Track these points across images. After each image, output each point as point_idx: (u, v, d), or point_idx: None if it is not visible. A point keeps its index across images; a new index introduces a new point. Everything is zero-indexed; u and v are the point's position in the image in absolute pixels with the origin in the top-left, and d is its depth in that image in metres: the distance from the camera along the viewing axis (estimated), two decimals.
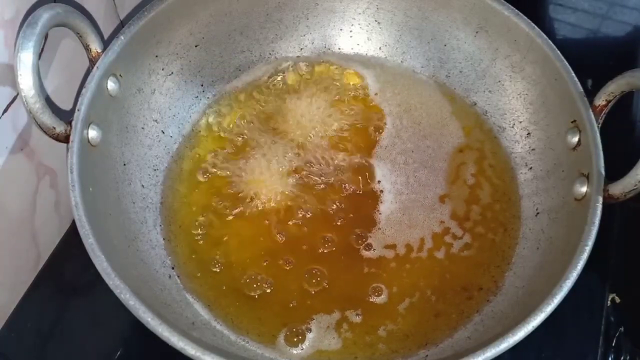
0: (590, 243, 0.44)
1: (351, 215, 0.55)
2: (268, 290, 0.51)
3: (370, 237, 0.54)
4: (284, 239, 0.53)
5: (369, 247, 0.53)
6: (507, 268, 0.52)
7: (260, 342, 0.49)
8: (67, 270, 0.56)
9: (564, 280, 0.43)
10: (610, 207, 0.47)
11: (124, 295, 0.41)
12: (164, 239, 0.53)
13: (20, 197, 0.51)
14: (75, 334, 0.53)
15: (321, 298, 0.51)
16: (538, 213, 0.54)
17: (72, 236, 0.56)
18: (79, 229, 0.43)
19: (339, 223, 0.54)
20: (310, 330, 0.49)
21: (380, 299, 0.51)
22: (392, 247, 0.53)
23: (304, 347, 0.49)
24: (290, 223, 0.54)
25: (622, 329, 0.54)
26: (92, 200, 0.46)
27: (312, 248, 0.53)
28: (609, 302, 0.56)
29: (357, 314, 0.50)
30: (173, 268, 0.52)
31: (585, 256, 0.44)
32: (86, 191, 0.45)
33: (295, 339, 0.49)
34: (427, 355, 0.48)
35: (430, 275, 0.52)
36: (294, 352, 0.49)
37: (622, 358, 0.53)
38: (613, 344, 0.54)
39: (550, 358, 0.53)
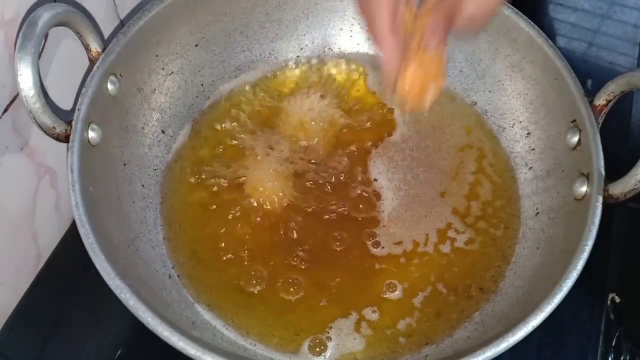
0: (590, 243, 0.44)
1: (355, 213, 0.55)
2: (269, 290, 0.51)
3: (378, 235, 0.54)
4: (285, 238, 0.53)
5: (377, 244, 0.53)
6: (507, 268, 0.52)
7: (261, 343, 0.49)
8: (67, 270, 0.56)
9: (564, 280, 0.43)
10: (610, 207, 0.47)
11: (124, 295, 0.41)
12: (164, 238, 0.53)
13: (21, 197, 0.51)
14: (75, 334, 0.53)
15: (332, 298, 0.51)
16: (538, 213, 0.54)
17: (72, 236, 0.56)
18: (79, 228, 0.43)
19: (344, 222, 0.54)
20: (330, 339, 0.49)
21: (394, 295, 0.51)
22: (400, 243, 0.54)
23: (326, 355, 0.49)
24: (292, 223, 0.54)
25: (622, 329, 0.54)
26: (92, 200, 0.46)
27: (317, 247, 0.53)
28: (609, 302, 0.56)
29: (373, 311, 0.50)
30: (173, 268, 0.52)
31: (585, 256, 0.44)
32: (86, 191, 0.45)
33: (317, 349, 0.49)
34: (427, 355, 0.48)
35: (440, 270, 0.52)
36: None
37: (622, 358, 0.53)
38: (613, 344, 0.54)
39: (550, 358, 0.53)
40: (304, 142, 0.58)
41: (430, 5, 0.42)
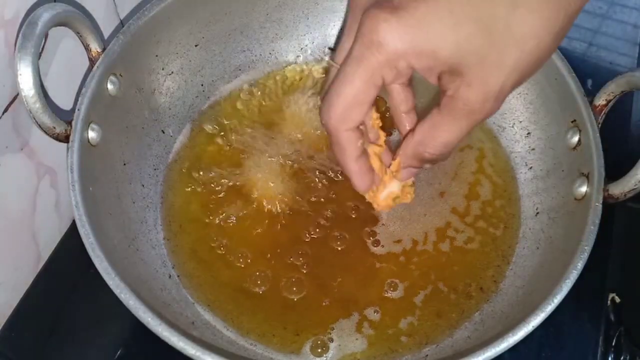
0: (590, 243, 0.44)
1: (355, 211, 0.55)
2: (270, 291, 0.51)
3: (378, 233, 0.54)
4: (286, 238, 0.53)
5: (377, 242, 0.53)
6: (507, 268, 0.52)
7: (261, 343, 0.49)
8: (67, 269, 0.56)
9: (564, 280, 0.43)
10: (610, 207, 0.47)
11: (124, 295, 0.41)
12: (164, 238, 0.53)
13: (21, 197, 0.51)
14: (75, 334, 0.53)
15: (334, 298, 0.51)
16: (538, 213, 0.54)
17: (72, 236, 0.56)
18: (79, 228, 0.43)
19: (344, 221, 0.54)
20: (332, 340, 0.49)
21: (396, 294, 0.51)
22: (399, 242, 0.54)
23: (328, 356, 0.49)
24: (292, 223, 0.54)
25: (622, 328, 0.54)
26: (92, 200, 0.46)
27: (318, 247, 0.53)
28: (609, 302, 0.56)
29: (375, 311, 0.50)
30: (173, 268, 0.52)
31: (585, 256, 0.44)
32: (86, 191, 0.45)
33: (319, 350, 0.49)
34: (427, 355, 0.48)
35: (439, 268, 0.52)
36: None
37: (622, 358, 0.53)
38: (613, 344, 0.54)
39: (550, 358, 0.53)
40: (304, 142, 0.58)
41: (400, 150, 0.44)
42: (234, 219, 0.54)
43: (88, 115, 0.48)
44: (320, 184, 0.56)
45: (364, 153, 0.44)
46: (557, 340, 0.53)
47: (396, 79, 0.39)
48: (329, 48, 0.64)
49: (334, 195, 0.55)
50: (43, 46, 0.48)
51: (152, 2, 0.53)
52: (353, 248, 0.53)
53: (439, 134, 0.40)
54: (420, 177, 0.57)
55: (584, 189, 0.48)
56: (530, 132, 0.57)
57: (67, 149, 0.46)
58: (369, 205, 0.51)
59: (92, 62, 0.50)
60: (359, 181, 0.44)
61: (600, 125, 0.49)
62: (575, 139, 0.51)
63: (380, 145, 0.46)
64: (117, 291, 0.42)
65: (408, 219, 0.55)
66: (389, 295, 0.51)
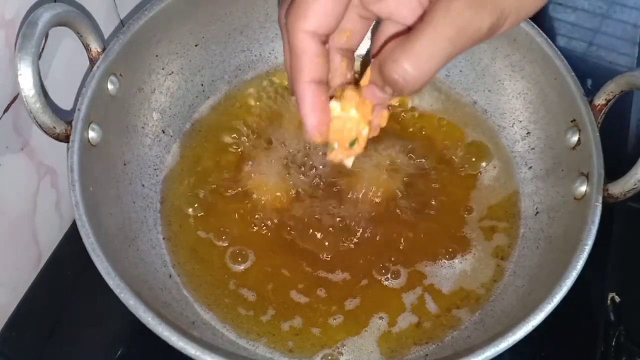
0: (590, 242, 0.44)
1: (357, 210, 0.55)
2: (270, 291, 0.51)
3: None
4: (287, 240, 0.53)
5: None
6: (507, 267, 0.52)
7: (261, 343, 0.49)
8: (68, 269, 0.56)
9: (564, 280, 0.43)
10: (610, 206, 0.47)
11: (124, 295, 0.41)
12: (164, 238, 0.53)
13: (21, 197, 0.52)
14: (75, 334, 0.53)
15: (335, 298, 0.51)
16: (538, 212, 0.54)
17: (72, 236, 0.56)
18: (79, 228, 0.44)
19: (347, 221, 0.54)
20: (342, 354, 0.49)
21: (396, 294, 0.51)
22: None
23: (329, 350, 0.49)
24: (293, 223, 0.54)
25: (622, 328, 0.54)
26: (92, 200, 0.46)
27: (320, 248, 0.53)
28: (608, 302, 0.56)
29: (380, 318, 0.50)
30: (173, 267, 0.52)
31: (585, 255, 0.44)
32: (86, 191, 0.45)
33: (319, 348, 0.49)
34: (427, 355, 0.48)
35: (440, 269, 0.52)
36: None
37: (622, 358, 0.53)
38: (613, 344, 0.54)
39: (550, 358, 0.53)
40: (305, 142, 0.58)
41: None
42: (235, 219, 0.54)
43: (88, 115, 0.48)
44: (321, 184, 0.56)
45: (323, 85, 0.36)
46: (557, 340, 0.53)
47: None
48: None
49: (335, 195, 0.55)
50: (43, 46, 0.48)
51: (152, 2, 0.53)
52: (357, 246, 0.53)
53: (416, 49, 0.33)
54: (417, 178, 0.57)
55: (583, 188, 0.48)
56: (530, 131, 0.57)
57: (67, 149, 0.46)
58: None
59: (92, 62, 0.50)
60: (308, 113, 0.35)
61: (599, 124, 0.49)
62: (575, 138, 0.51)
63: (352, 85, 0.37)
64: (117, 291, 0.42)
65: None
66: (390, 295, 0.51)
